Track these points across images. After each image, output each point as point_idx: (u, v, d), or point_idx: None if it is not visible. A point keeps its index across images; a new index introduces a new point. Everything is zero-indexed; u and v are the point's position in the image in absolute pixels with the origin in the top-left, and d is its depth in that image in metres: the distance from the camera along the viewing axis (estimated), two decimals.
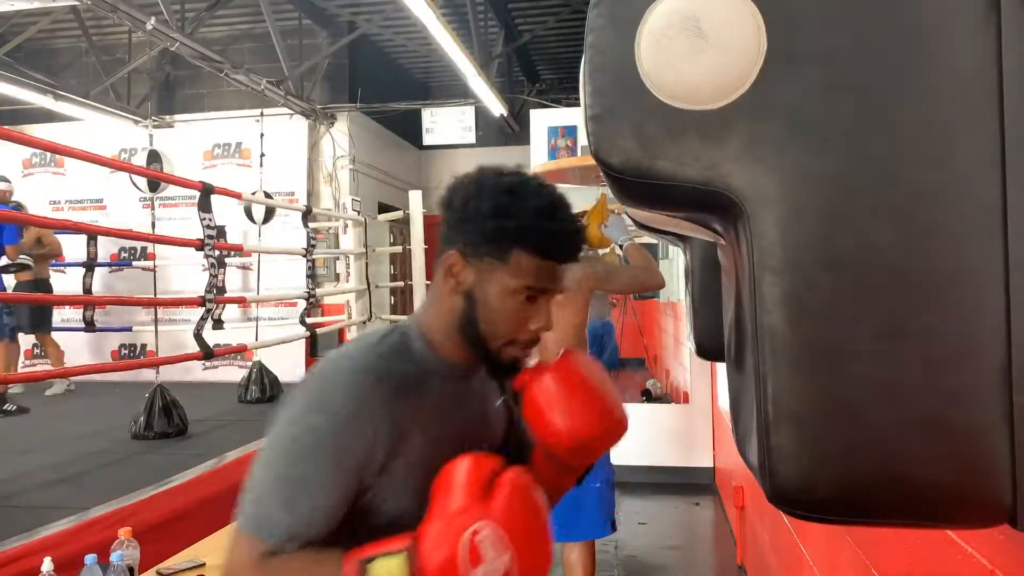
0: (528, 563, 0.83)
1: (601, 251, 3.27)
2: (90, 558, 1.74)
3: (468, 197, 0.97)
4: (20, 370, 6.06)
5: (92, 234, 4.82)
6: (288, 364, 5.98)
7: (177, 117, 8.32)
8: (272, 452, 0.92)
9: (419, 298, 5.96)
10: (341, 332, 6.77)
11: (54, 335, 5.96)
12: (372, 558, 0.83)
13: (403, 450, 0.93)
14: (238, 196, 4.92)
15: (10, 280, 5.51)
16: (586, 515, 2.71)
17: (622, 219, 3.02)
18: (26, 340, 6.16)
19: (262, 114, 7.82)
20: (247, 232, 7.10)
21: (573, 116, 5.80)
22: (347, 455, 0.91)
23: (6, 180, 5.53)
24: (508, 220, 0.95)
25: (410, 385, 0.97)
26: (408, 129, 8.81)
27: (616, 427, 1.02)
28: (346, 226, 6.83)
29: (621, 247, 2.91)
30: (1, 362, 5.46)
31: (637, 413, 5.33)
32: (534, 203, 0.95)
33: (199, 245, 4.03)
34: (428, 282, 1.03)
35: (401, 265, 8.12)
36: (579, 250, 1.00)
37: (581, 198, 2.92)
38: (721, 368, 3.71)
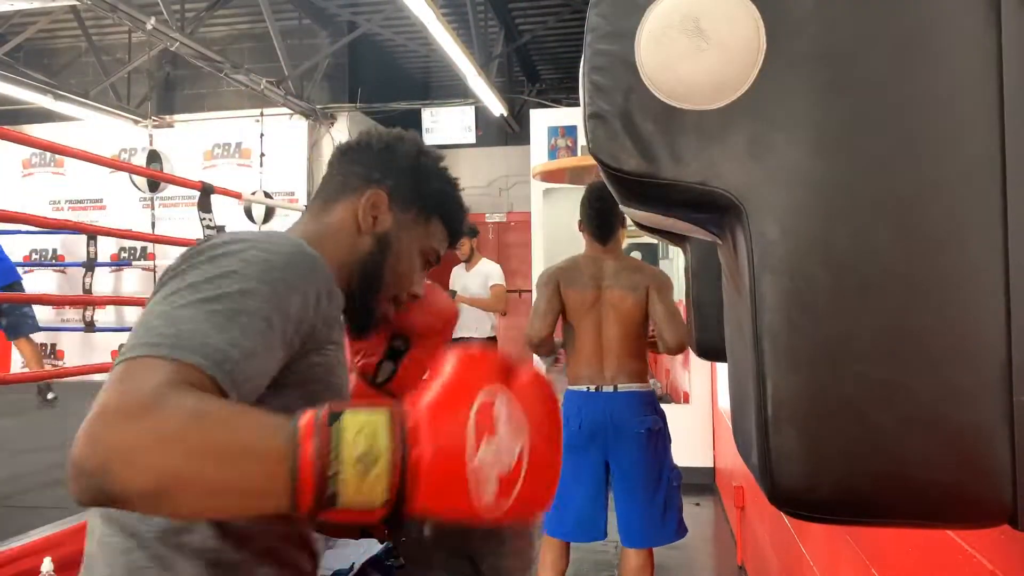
0: (541, 467, 0.64)
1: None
2: None
3: (405, 152, 1.04)
4: (18, 369, 6.06)
5: (92, 234, 4.82)
6: None
7: (177, 117, 8.32)
8: (190, 286, 0.71)
9: None
10: None
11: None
12: (339, 413, 0.61)
13: (323, 343, 0.83)
14: (238, 196, 4.92)
15: None
16: (672, 516, 2.55)
17: None
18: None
19: (262, 114, 7.83)
20: None
21: (573, 116, 5.80)
22: (295, 295, 0.76)
23: None
24: (447, 187, 1.05)
25: (333, 290, 0.86)
26: (408, 129, 8.82)
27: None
28: None
29: None
30: (33, 356, 5.49)
31: None
32: (453, 184, 1.07)
33: None
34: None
35: None
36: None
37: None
38: (721, 368, 3.71)
